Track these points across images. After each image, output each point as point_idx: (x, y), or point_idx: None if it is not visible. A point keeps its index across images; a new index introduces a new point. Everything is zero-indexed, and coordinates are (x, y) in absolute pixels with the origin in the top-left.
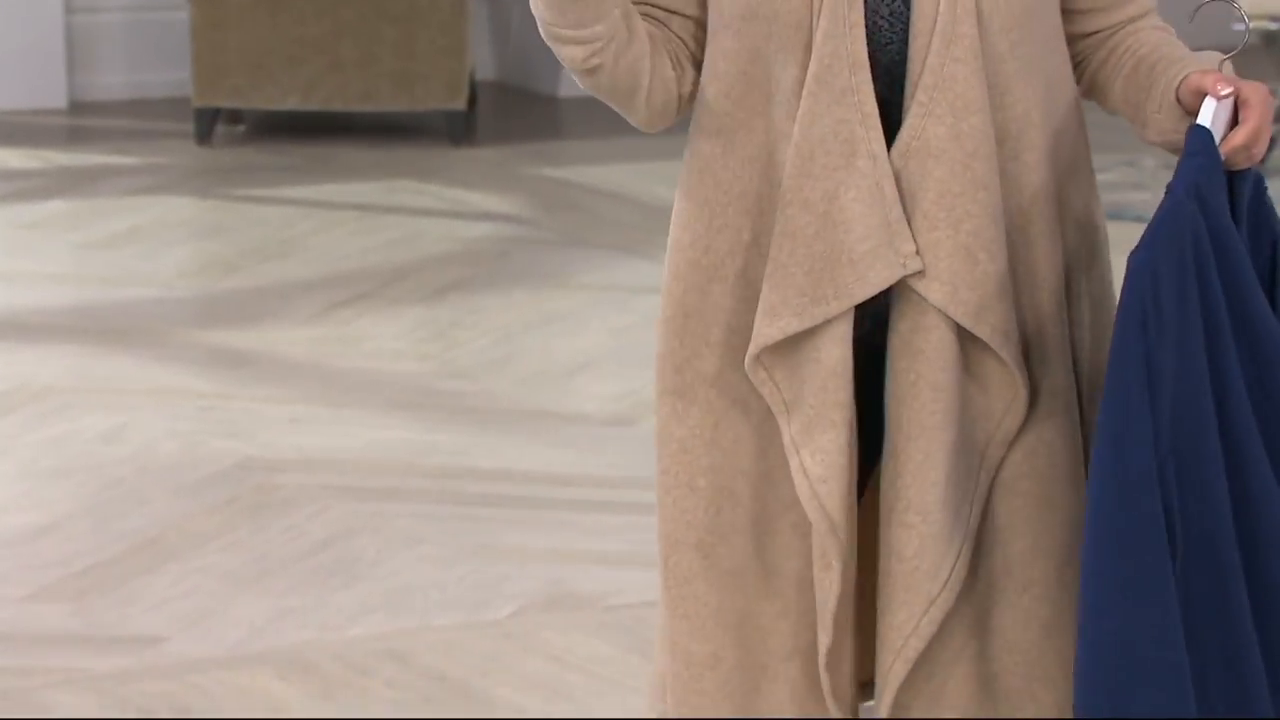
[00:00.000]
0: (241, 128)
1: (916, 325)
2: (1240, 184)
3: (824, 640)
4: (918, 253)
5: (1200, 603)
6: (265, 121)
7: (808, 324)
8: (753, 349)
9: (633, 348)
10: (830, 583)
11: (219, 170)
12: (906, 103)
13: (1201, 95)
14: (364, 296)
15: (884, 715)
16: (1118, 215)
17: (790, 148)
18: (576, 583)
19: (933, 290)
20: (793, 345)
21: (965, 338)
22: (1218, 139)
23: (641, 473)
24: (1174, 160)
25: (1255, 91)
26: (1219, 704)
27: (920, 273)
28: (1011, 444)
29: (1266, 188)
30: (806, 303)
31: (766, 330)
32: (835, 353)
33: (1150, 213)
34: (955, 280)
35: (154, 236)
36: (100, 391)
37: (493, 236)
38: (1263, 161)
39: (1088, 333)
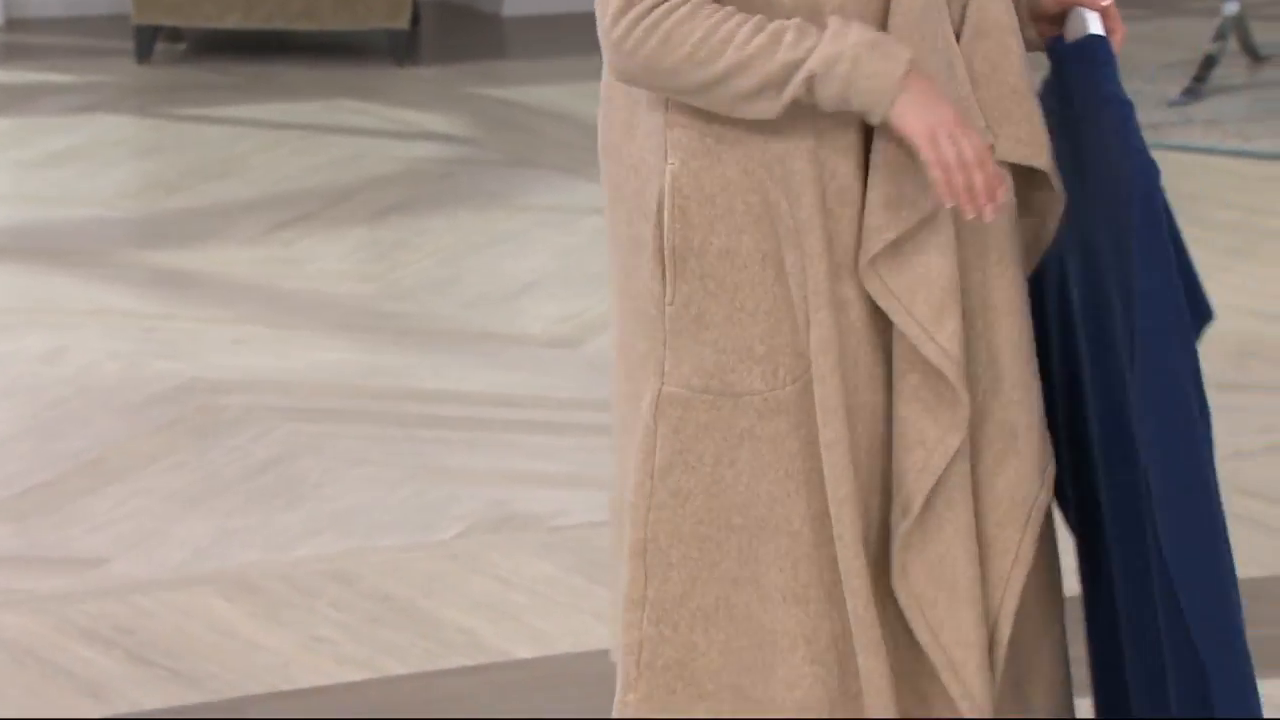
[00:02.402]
0: (182, 46)
1: None
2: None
3: (908, 521)
4: (988, 127)
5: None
6: (206, 40)
7: (904, 228)
8: (865, 258)
9: (578, 269)
10: (930, 458)
11: (159, 89)
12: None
13: (1069, 6)
14: (307, 217)
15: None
16: None
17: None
18: (522, 504)
19: (1040, 158)
20: (902, 241)
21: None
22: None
23: (587, 394)
24: (1138, 97)
25: None
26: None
27: (993, 148)
28: None
29: None
30: (906, 210)
31: (874, 241)
32: (949, 235)
33: None
34: (1044, 145)
35: (93, 156)
36: (41, 312)
37: (436, 157)
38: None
39: None
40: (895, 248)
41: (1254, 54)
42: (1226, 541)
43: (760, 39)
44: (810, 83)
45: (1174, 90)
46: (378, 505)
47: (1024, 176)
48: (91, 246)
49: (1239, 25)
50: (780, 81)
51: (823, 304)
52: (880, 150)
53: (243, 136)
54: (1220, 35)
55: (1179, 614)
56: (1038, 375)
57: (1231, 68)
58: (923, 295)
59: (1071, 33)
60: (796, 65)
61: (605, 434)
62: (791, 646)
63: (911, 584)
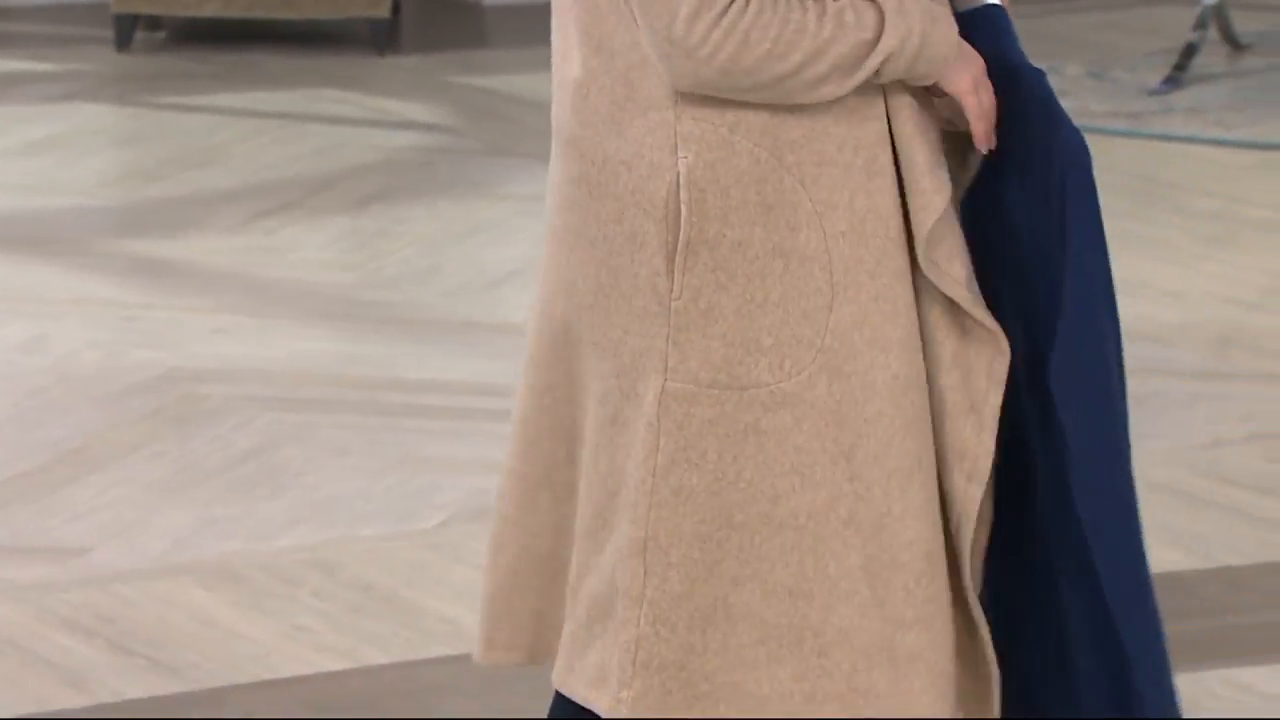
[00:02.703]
0: (161, 34)
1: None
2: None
3: (981, 476)
4: None
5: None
6: (185, 28)
7: (949, 192)
8: (929, 232)
9: None
10: (995, 408)
11: (139, 77)
12: None
13: None
14: (288, 206)
15: None
16: None
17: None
18: None
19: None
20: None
21: None
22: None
23: None
24: (1099, 68)
25: None
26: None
27: None
28: None
29: None
30: (944, 176)
31: (934, 206)
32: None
33: (1074, 120)
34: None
35: (73, 144)
36: (20, 301)
37: (417, 146)
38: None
39: None
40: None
41: (1234, 43)
42: (1138, 518)
43: (828, 23)
44: (884, 63)
45: (1154, 79)
46: (359, 494)
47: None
48: (71, 235)
49: (1219, 14)
50: (853, 64)
51: (852, 282)
52: (906, 118)
53: (223, 125)
54: (1200, 24)
55: (1093, 581)
56: None
57: (1212, 56)
58: (958, 259)
59: (962, 1)
60: (869, 45)
61: None
62: (798, 640)
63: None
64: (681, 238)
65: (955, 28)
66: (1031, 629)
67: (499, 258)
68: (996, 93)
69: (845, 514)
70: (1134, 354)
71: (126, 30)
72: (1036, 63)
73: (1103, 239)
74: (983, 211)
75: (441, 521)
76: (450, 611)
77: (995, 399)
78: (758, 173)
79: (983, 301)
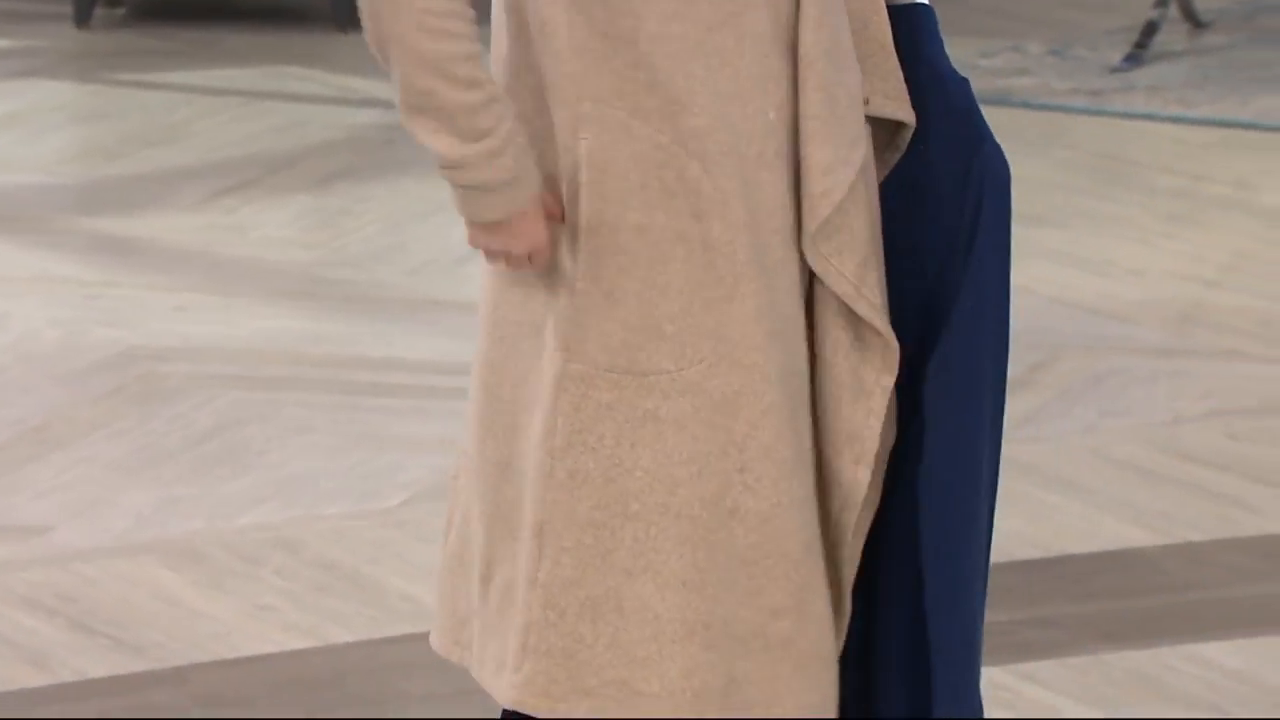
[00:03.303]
0: (121, 10)
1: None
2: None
3: (868, 467)
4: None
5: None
6: (145, 4)
7: (856, 167)
8: (830, 204)
9: None
10: (881, 402)
11: (99, 54)
12: None
13: None
14: (249, 184)
15: None
16: (1003, 101)
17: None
18: None
19: (905, 112)
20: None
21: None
22: None
23: None
24: (1060, 46)
25: None
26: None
27: (869, 102)
28: None
29: None
30: (847, 148)
31: (836, 183)
32: (867, 188)
33: (1035, 99)
34: (899, 95)
35: (33, 121)
36: None
37: (379, 124)
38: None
39: None
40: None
41: (1195, 20)
42: (980, 528)
43: (459, 89)
44: (443, 166)
45: (1115, 56)
46: (322, 473)
47: (878, 125)
48: (31, 213)
49: None
50: (435, 128)
51: (754, 273)
52: (810, 116)
53: (183, 103)
54: (1161, 2)
55: (917, 578)
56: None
57: (1173, 34)
58: (849, 252)
59: None
60: (455, 136)
61: None
62: (689, 634)
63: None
64: (582, 218)
65: (527, 192)
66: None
67: (462, 236)
68: (919, 102)
69: (731, 504)
70: (1096, 331)
71: (86, 6)
72: (999, 41)
73: (1006, 258)
74: (905, 197)
75: (404, 500)
76: (413, 589)
77: (886, 384)
78: (659, 158)
79: (875, 296)
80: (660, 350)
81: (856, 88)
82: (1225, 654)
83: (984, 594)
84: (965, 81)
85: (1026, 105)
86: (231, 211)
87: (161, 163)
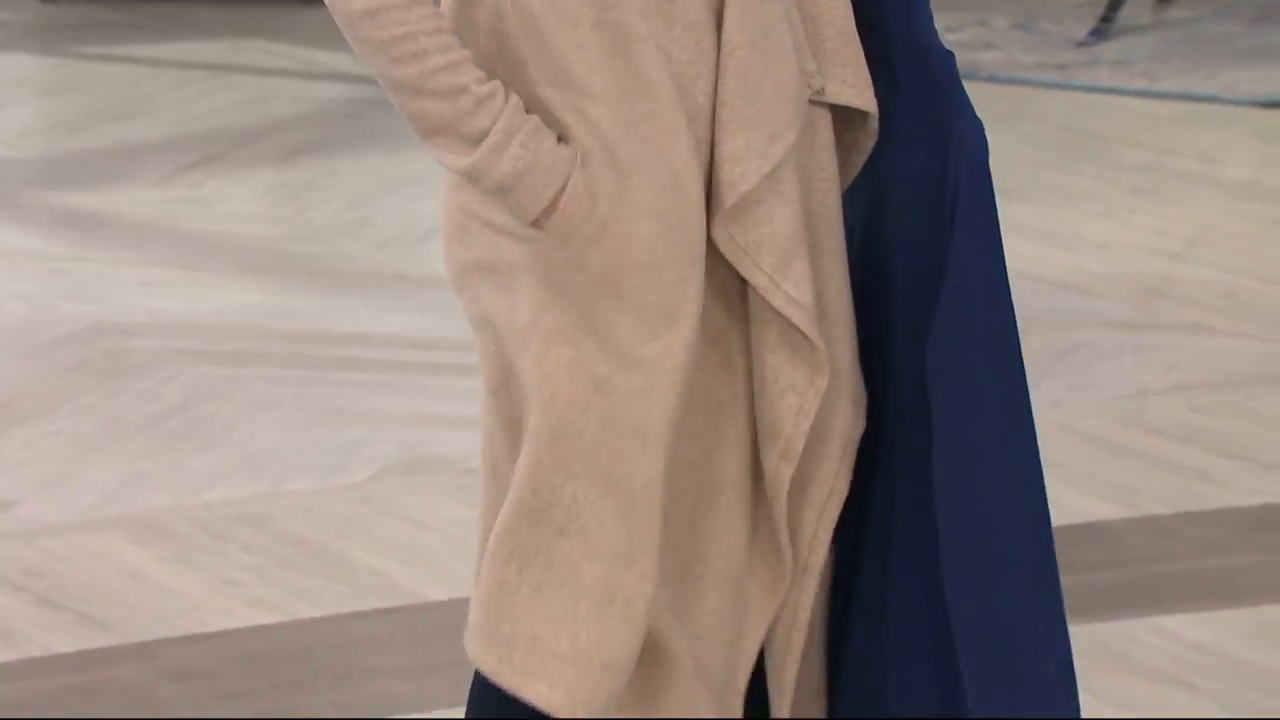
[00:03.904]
0: None
1: (814, 143)
2: None
3: (792, 460)
4: (818, 70)
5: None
6: None
7: (772, 162)
8: (733, 196)
9: None
10: (805, 398)
11: (63, 27)
12: None
13: None
14: (215, 158)
15: None
16: (969, 75)
17: None
18: (434, 446)
19: (866, 99)
20: (744, 198)
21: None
22: None
23: None
24: (1026, 20)
25: None
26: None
27: (823, 90)
28: None
29: None
30: (766, 143)
31: (743, 174)
32: (791, 181)
33: (1001, 73)
34: (859, 82)
35: None
36: None
37: (345, 98)
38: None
39: None
40: (742, 199)
41: None
42: (1010, 514)
43: (442, 76)
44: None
45: (1081, 31)
46: (289, 448)
47: (841, 113)
48: None
49: None
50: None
51: (703, 255)
52: (725, 104)
53: (148, 76)
54: None
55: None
56: (853, 311)
57: (1138, 8)
58: (768, 246)
59: None
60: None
61: None
62: (610, 603)
63: (804, 530)
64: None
65: (548, 190)
66: (863, 610)
67: (429, 210)
68: (904, 73)
69: (677, 489)
70: (1063, 305)
71: None
72: (965, 15)
73: (993, 234)
74: (882, 178)
75: (372, 475)
76: (380, 565)
77: (820, 384)
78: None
79: (799, 293)
80: (622, 322)
81: (790, 81)
82: (1189, 626)
83: (1038, 585)
84: (950, 55)
85: (992, 79)
86: (197, 186)
87: (126, 137)
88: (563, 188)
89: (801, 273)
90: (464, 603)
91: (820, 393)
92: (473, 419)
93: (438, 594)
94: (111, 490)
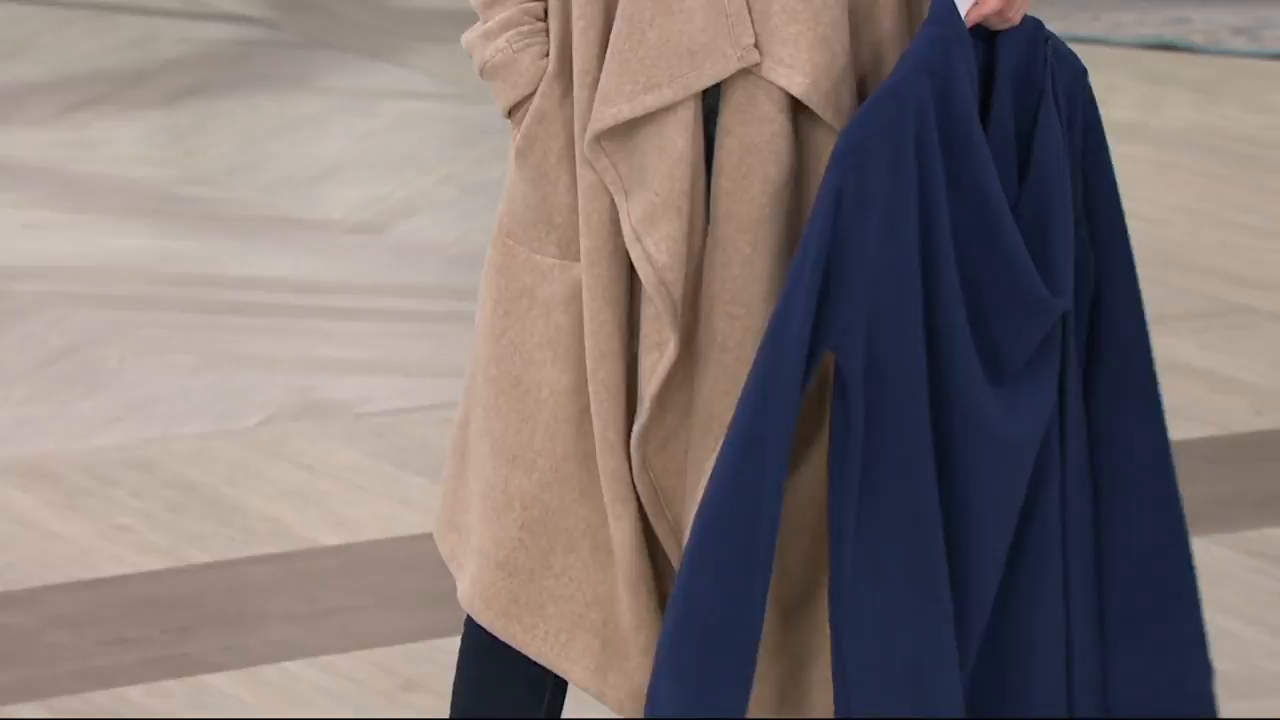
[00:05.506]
0: None
1: (750, 117)
2: (1005, 47)
3: (641, 419)
4: (756, 45)
5: (885, 472)
6: None
7: (639, 111)
8: (589, 133)
9: (379, 153)
10: (658, 362)
11: None
12: None
13: None
14: (100, 99)
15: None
16: None
17: None
18: (325, 390)
19: (795, 82)
20: (632, 130)
21: (801, 132)
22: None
23: (390, 279)
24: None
25: None
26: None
27: (759, 64)
28: None
29: (1048, 38)
30: (639, 89)
31: (600, 115)
32: (680, 142)
33: None
34: (817, 72)
35: None
36: None
37: (232, 39)
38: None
39: None
40: (630, 131)
41: None
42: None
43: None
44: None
45: None
46: (178, 393)
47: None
48: None
49: None
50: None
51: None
52: (611, 45)
53: (31, 15)
54: None
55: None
56: (775, 296)
57: None
58: (640, 192)
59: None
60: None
61: (410, 320)
62: (508, 506)
63: (657, 476)
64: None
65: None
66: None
67: (318, 153)
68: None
69: (584, 403)
70: None
71: None
72: None
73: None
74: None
75: (263, 419)
76: (273, 510)
77: (668, 349)
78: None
79: (658, 252)
80: (549, 236)
81: (684, 38)
82: None
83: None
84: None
85: None
86: (82, 127)
87: (8, 77)
88: (526, 98)
89: (668, 234)
90: (356, 547)
91: (670, 359)
92: (365, 363)
93: (330, 539)
94: None
